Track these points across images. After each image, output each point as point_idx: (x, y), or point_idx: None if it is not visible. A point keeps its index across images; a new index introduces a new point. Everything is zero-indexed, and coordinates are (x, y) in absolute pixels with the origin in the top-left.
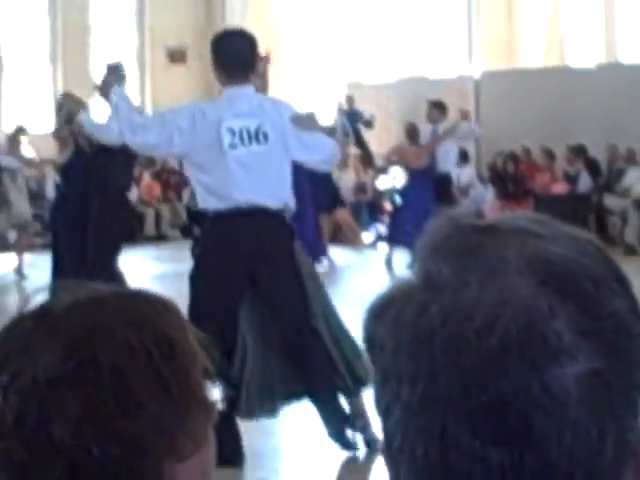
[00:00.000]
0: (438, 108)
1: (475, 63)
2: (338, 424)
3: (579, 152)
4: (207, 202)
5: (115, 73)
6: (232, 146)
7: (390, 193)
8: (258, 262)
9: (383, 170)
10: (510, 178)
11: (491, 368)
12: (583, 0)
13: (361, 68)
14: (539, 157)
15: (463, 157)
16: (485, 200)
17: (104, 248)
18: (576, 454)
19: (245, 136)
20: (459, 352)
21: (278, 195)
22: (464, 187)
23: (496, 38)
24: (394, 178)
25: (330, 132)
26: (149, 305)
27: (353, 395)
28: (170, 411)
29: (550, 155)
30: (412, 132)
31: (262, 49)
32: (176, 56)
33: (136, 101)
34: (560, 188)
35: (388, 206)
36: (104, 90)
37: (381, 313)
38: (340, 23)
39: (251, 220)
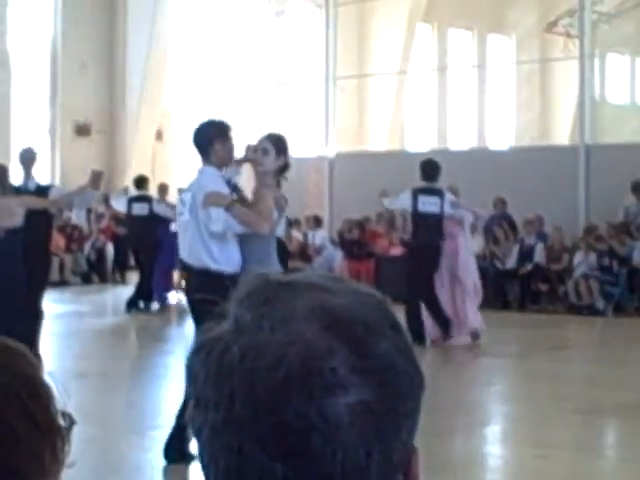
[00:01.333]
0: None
1: (330, 146)
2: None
3: None
4: None
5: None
6: (179, 214)
7: None
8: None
9: None
10: (355, 242)
11: (278, 397)
12: (420, 96)
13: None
14: (379, 225)
15: (317, 222)
16: (335, 259)
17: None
18: (347, 469)
19: (180, 206)
20: (252, 383)
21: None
22: (318, 248)
23: (348, 125)
24: None
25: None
26: (9, 350)
27: None
28: (40, 440)
29: (391, 223)
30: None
31: (154, 128)
32: (82, 130)
33: (46, 168)
34: (397, 251)
35: None
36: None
37: (198, 349)
38: (220, 108)
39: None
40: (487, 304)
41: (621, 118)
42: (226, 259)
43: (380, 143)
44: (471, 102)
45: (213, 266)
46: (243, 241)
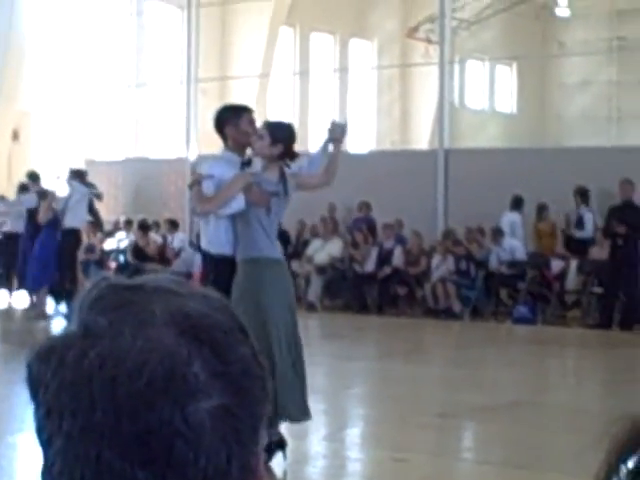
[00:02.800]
0: None
1: (192, 148)
2: None
3: None
4: None
5: None
6: None
7: (115, 253)
8: None
9: (110, 234)
10: None
11: (140, 404)
12: (282, 99)
13: (95, 147)
14: None
15: (173, 225)
16: (194, 262)
17: None
18: (208, 474)
19: None
20: (114, 391)
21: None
22: (176, 250)
23: (210, 127)
24: (119, 241)
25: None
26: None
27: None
28: None
29: None
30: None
31: (10, 128)
32: None
33: None
34: None
35: (112, 264)
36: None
37: (46, 357)
38: (81, 107)
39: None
40: (346, 307)
41: (480, 124)
42: (217, 241)
43: None
44: (332, 106)
45: (211, 250)
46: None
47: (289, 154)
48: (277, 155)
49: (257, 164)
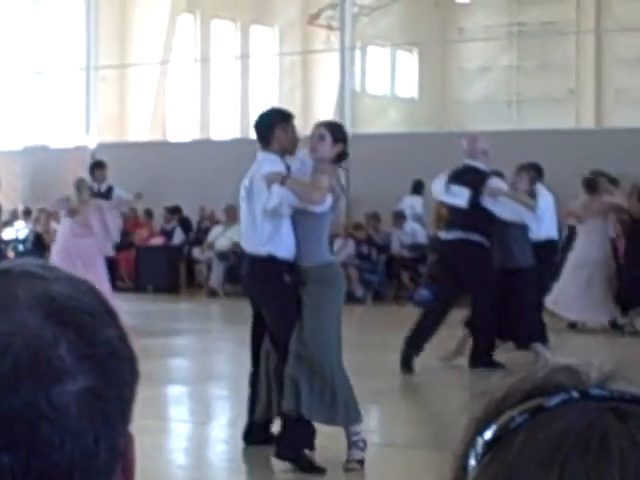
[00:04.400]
0: None
1: (92, 136)
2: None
3: (174, 212)
4: None
5: None
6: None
7: (14, 243)
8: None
9: (9, 223)
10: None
11: (4, 387)
12: (183, 86)
13: None
14: (141, 215)
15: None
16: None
17: None
18: (75, 457)
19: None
20: None
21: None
22: None
23: (110, 115)
24: (17, 230)
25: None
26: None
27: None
28: None
29: (149, 214)
30: None
31: None
32: None
33: None
34: (157, 241)
35: (11, 253)
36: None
37: None
38: None
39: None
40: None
41: (381, 109)
42: (278, 242)
43: (142, 133)
44: (234, 93)
45: (263, 250)
46: (297, 224)
47: (345, 154)
48: (338, 155)
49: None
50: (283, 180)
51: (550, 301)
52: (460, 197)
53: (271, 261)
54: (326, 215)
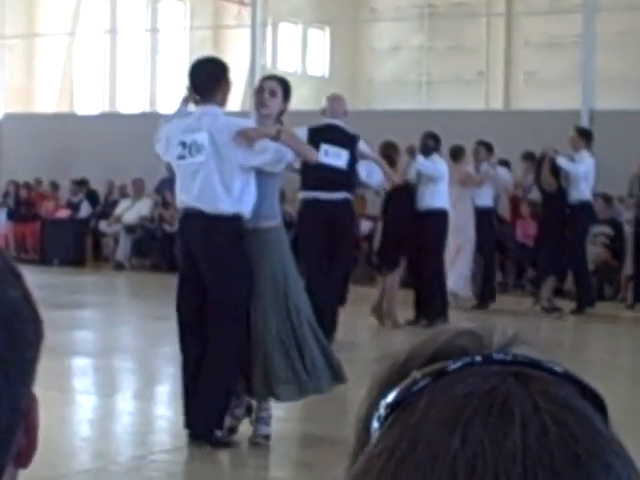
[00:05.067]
0: None
1: None
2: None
3: (82, 184)
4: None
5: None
6: (178, 157)
7: None
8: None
9: None
10: (23, 203)
11: None
12: (91, 58)
13: None
14: (47, 188)
15: None
16: (1, 222)
17: None
18: None
19: (180, 149)
20: None
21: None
22: None
23: (17, 85)
24: None
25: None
26: None
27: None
28: None
29: (55, 186)
30: None
31: None
32: None
33: None
34: (64, 213)
35: None
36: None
37: None
38: None
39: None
40: (155, 267)
41: (292, 86)
42: (246, 200)
43: (49, 105)
44: (143, 66)
45: (231, 209)
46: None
47: (283, 111)
48: (280, 112)
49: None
50: (278, 134)
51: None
52: (340, 158)
53: (236, 220)
54: (281, 176)
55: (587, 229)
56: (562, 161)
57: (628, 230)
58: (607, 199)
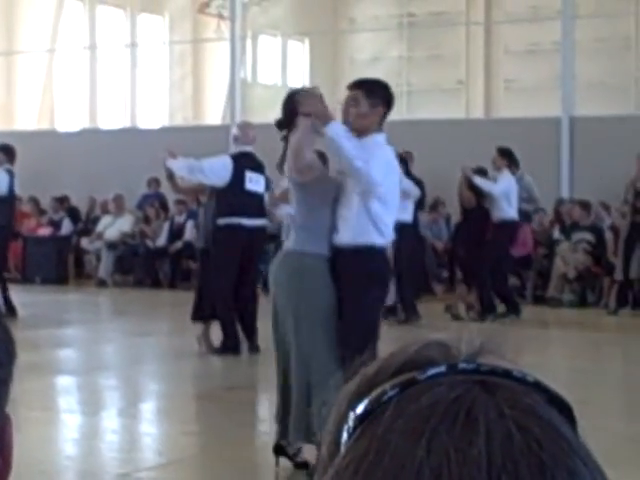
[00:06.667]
0: None
1: None
2: None
3: (63, 202)
4: None
5: None
6: None
7: None
8: None
9: None
10: None
11: None
12: (71, 74)
13: None
14: (28, 206)
15: None
16: None
17: None
18: None
19: None
20: None
21: None
22: None
23: None
24: None
25: None
26: None
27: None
28: None
29: (37, 204)
30: None
31: None
32: None
33: None
34: (45, 231)
35: None
36: None
37: None
38: None
39: None
40: (138, 283)
41: (272, 99)
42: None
43: (30, 122)
44: (123, 82)
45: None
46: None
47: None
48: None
49: None
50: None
51: None
52: (260, 185)
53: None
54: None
55: (506, 247)
56: (478, 180)
57: (609, 237)
58: (585, 206)
